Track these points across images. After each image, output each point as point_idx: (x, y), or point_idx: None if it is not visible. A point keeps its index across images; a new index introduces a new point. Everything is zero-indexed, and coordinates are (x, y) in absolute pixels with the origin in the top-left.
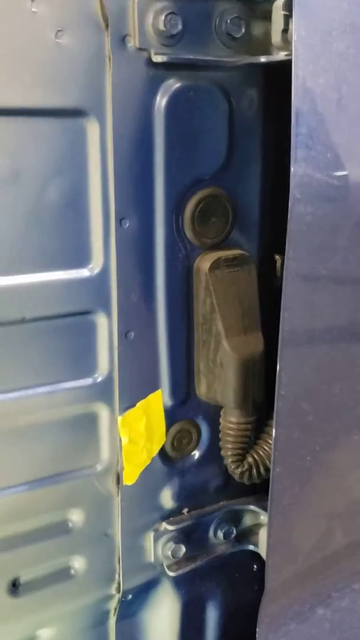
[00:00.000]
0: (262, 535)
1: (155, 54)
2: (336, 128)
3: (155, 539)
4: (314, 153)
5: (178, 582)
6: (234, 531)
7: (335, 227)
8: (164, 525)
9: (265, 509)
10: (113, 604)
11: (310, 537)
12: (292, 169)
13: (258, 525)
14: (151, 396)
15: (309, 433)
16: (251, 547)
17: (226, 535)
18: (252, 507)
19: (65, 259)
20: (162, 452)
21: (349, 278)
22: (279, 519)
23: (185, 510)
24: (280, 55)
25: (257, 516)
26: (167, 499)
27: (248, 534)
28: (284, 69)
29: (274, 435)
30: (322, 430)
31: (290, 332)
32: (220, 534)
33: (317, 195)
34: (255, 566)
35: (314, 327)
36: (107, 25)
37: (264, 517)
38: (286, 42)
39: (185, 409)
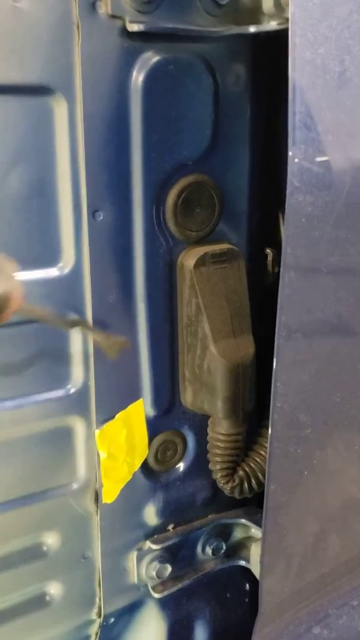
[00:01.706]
0: (254, 550)
1: (131, 22)
2: (339, 104)
3: (139, 559)
4: (314, 134)
5: (164, 603)
6: (224, 546)
7: (338, 218)
8: (148, 544)
9: (256, 523)
10: (94, 629)
11: (306, 555)
12: (289, 153)
13: (249, 539)
14: (132, 406)
15: (307, 447)
16: (242, 563)
17: (215, 551)
18: (242, 520)
19: (30, 257)
20: (145, 466)
21: (353, 274)
22: (274, 537)
23: (170, 527)
24: (272, 25)
25: (247, 529)
26: (150, 515)
27: (238, 549)
28: (274, 39)
29: (268, 450)
30: (320, 443)
31: (287, 338)
32: (208, 550)
33: (318, 183)
34: (246, 583)
35: (313, 331)
36: None
37: (255, 531)
38: (279, 9)
39: (169, 419)
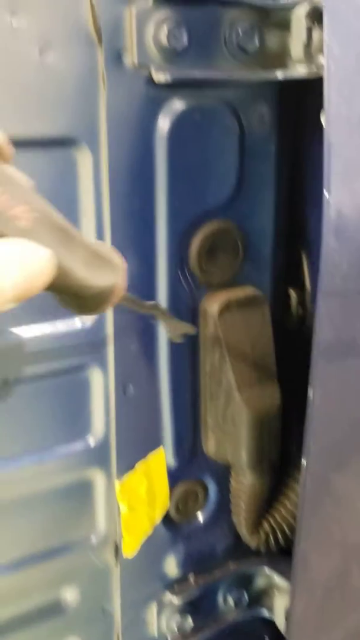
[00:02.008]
0: (278, 601)
1: (157, 71)
2: None
3: (159, 612)
4: (351, 194)
5: None
6: (245, 595)
7: None
8: (168, 596)
9: (279, 571)
10: None
11: (339, 619)
12: (325, 213)
13: (272, 587)
14: (152, 456)
15: (339, 507)
16: (265, 613)
17: (237, 601)
18: (265, 569)
19: (52, 309)
20: (165, 517)
21: None
22: (303, 600)
23: (191, 576)
24: (301, 71)
25: (270, 577)
26: (171, 566)
27: (260, 597)
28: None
29: (299, 512)
30: (353, 503)
31: (320, 400)
32: (230, 600)
33: (356, 242)
34: (267, 635)
35: (349, 392)
36: (100, 40)
37: (278, 579)
38: (309, 57)
39: (190, 468)
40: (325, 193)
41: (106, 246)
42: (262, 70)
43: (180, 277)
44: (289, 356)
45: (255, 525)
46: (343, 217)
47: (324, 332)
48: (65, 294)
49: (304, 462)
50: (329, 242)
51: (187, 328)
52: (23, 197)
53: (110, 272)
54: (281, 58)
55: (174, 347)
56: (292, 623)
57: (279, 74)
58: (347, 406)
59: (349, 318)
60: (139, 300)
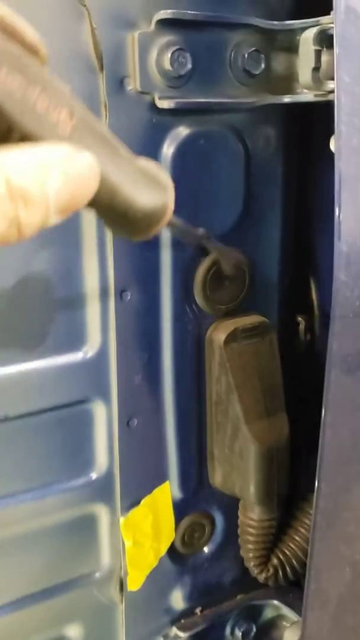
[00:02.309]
0: (287, 634)
1: (160, 98)
2: None
3: None
4: None
5: None
6: (254, 628)
7: None
8: (175, 631)
9: (288, 604)
10: None
11: None
12: (336, 246)
13: (280, 618)
14: (158, 490)
15: (350, 543)
16: None
17: (245, 634)
18: (274, 602)
19: (54, 343)
20: (171, 550)
21: None
22: (315, 638)
23: (198, 610)
24: (309, 96)
25: (279, 609)
26: (177, 600)
27: (269, 629)
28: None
29: (309, 552)
30: None
31: (332, 438)
32: (238, 633)
33: None
34: None
35: None
36: (101, 66)
37: (286, 611)
38: (317, 81)
39: (197, 500)
40: (337, 223)
41: (151, 163)
42: (268, 94)
43: (186, 305)
44: (297, 383)
45: (264, 560)
46: (354, 251)
47: (337, 354)
48: (112, 215)
49: (317, 485)
50: (340, 277)
51: (237, 256)
52: (63, 101)
53: (160, 191)
54: (288, 82)
55: (178, 377)
56: None
57: (286, 99)
58: (355, 436)
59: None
60: (188, 226)
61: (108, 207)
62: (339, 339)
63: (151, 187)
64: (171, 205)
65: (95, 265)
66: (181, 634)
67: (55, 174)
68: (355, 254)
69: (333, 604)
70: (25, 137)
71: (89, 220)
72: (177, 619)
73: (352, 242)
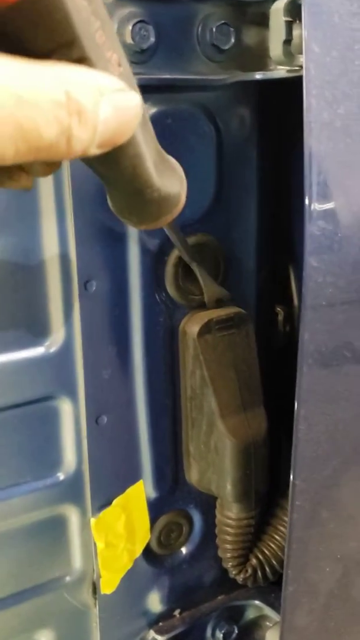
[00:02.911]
0: (270, 635)
1: None
2: None
3: None
4: (336, 206)
5: None
6: (235, 629)
7: None
8: (152, 634)
9: (270, 605)
10: None
11: None
12: (306, 230)
13: (263, 618)
14: (131, 489)
15: (330, 544)
16: None
17: (226, 636)
18: (256, 602)
19: (14, 337)
20: (147, 551)
21: None
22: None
23: (176, 612)
24: (281, 72)
25: (261, 609)
26: (154, 602)
27: (251, 630)
28: (282, 81)
29: (286, 552)
30: (344, 537)
31: (307, 432)
32: (219, 635)
33: (341, 262)
34: None
35: (337, 422)
36: None
37: (269, 611)
38: (289, 56)
39: (173, 499)
40: (307, 204)
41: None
42: (239, 71)
43: (156, 296)
44: (276, 376)
45: (243, 560)
46: (326, 234)
47: (309, 345)
48: (130, 188)
49: (291, 482)
50: (311, 262)
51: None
52: (116, 46)
53: (176, 180)
54: (261, 58)
55: (150, 371)
56: None
57: (258, 75)
58: (335, 421)
59: (333, 346)
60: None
61: (131, 176)
62: (310, 329)
63: (169, 173)
64: (184, 198)
65: (57, 253)
66: (159, 637)
67: (106, 101)
68: (327, 237)
69: (312, 607)
70: (82, 60)
71: (48, 206)
72: (154, 622)
73: (324, 225)
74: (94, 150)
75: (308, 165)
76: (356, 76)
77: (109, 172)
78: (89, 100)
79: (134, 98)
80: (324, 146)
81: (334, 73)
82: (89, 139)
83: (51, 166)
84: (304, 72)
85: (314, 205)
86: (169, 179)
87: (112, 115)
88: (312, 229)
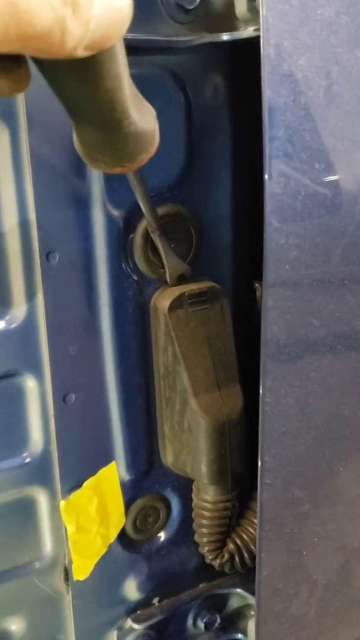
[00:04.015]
0: (253, 624)
1: None
2: (327, 125)
3: (120, 639)
4: (297, 163)
5: None
6: (218, 618)
7: (331, 261)
8: (129, 622)
9: (254, 593)
10: None
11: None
12: (266, 188)
13: (247, 607)
14: (103, 471)
15: (305, 525)
16: (239, 637)
17: (208, 625)
18: (238, 590)
19: None
20: (123, 536)
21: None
22: (270, 628)
23: (155, 600)
24: (248, 31)
25: (244, 598)
26: (131, 590)
27: (235, 619)
28: (256, 45)
29: (258, 533)
30: (321, 519)
31: (274, 404)
32: (200, 624)
33: (305, 222)
34: None
35: (307, 394)
36: None
37: (252, 600)
38: (254, 13)
39: (148, 482)
40: (266, 161)
41: None
42: (206, 32)
43: (125, 270)
44: (255, 354)
45: (219, 545)
46: (287, 192)
47: (272, 328)
48: (108, 121)
49: (260, 460)
50: (272, 223)
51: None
52: None
53: (151, 116)
54: (230, 19)
55: (121, 347)
56: None
57: (225, 36)
58: (305, 394)
59: (300, 312)
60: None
61: (109, 102)
62: (274, 295)
63: (144, 109)
64: (158, 137)
65: (15, 223)
66: (136, 626)
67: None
68: (289, 196)
69: (289, 592)
70: None
71: (4, 171)
72: (132, 610)
73: (285, 181)
74: (81, 52)
75: (267, 119)
76: (318, 26)
77: (86, 96)
78: None
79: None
80: (284, 99)
81: (294, 22)
82: (81, 34)
83: (19, 83)
84: (261, 21)
85: (274, 161)
86: (144, 115)
87: (104, 12)
88: (273, 187)
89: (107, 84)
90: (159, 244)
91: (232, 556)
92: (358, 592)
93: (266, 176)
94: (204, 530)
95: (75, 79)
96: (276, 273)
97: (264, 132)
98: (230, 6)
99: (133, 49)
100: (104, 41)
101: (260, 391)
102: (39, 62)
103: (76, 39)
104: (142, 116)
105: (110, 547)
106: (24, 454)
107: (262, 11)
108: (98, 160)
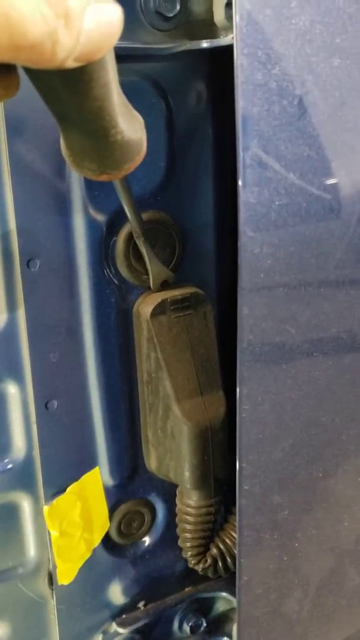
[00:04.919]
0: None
1: None
2: (301, 135)
3: None
4: (270, 173)
5: None
6: (204, 622)
7: (305, 270)
8: (114, 627)
9: None
10: None
11: None
12: (240, 197)
13: (233, 611)
14: (86, 476)
15: (285, 531)
16: None
17: (194, 628)
18: (223, 594)
19: None
20: (107, 541)
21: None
22: (251, 633)
23: (141, 604)
24: (228, 39)
25: (231, 602)
26: (116, 594)
27: (221, 622)
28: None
29: (237, 539)
30: (302, 524)
31: (251, 411)
32: (186, 628)
33: (280, 231)
34: None
35: (285, 401)
36: None
37: None
38: (232, 20)
39: (132, 487)
40: (240, 170)
41: None
42: (186, 40)
43: (107, 277)
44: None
45: (202, 550)
46: (262, 202)
47: (248, 336)
48: (96, 128)
49: (238, 466)
50: (247, 232)
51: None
52: None
53: (138, 126)
54: (210, 26)
55: (103, 354)
56: None
57: (204, 43)
58: (282, 401)
59: (275, 320)
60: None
61: (97, 110)
62: (249, 303)
63: (131, 118)
64: (145, 147)
65: None
66: (121, 630)
67: (91, 10)
68: (263, 205)
69: (270, 598)
70: None
71: None
72: (117, 614)
73: (259, 190)
74: (71, 63)
75: (241, 129)
76: (292, 35)
77: (74, 105)
78: (76, 5)
79: (117, 11)
80: (257, 108)
81: (268, 32)
82: (71, 46)
83: (9, 89)
84: (234, 31)
85: (248, 170)
86: (132, 124)
87: (95, 26)
88: (247, 196)
89: (96, 93)
90: (143, 250)
91: (215, 561)
92: (342, 597)
93: (240, 185)
94: (187, 535)
95: (64, 87)
96: (251, 281)
97: (237, 141)
98: (210, 14)
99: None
100: (94, 53)
101: (237, 398)
102: (28, 69)
103: (67, 51)
104: (130, 125)
105: (94, 551)
106: (6, 460)
107: (236, 20)
108: (84, 167)
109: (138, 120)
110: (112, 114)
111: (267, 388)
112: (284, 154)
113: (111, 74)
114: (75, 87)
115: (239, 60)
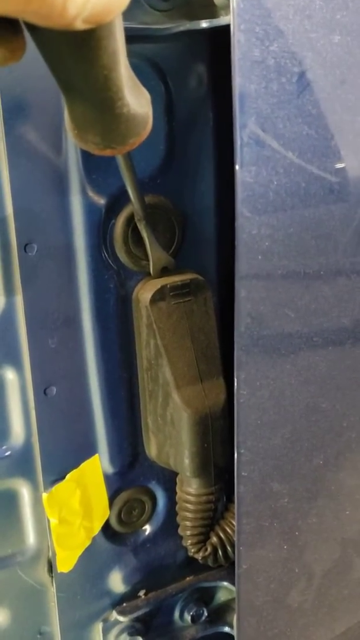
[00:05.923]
0: None
1: None
2: (300, 113)
3: (105, 632)
4: (268, 151)
5: None
6: (205, 611)
7: (304, 252)
8: (115, 615)
9: None
10: None
11: None
12: (237, 176)
13: (234, 601)
14: (85, 464)
15: (285, 519)
16: (226, 629)
17: (195, 618)
18: (225, 583)
19: None
20: (107, 529)
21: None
22: (250, 622)
23: (141, 593)
24: (227, 18)
25: (232, 591)
26: (116, 582)
27: (223, 612)
28: None
29: (236, 527)
30: (302, 512)
31: (250, 395)
32: (187, 617)
33: (278, 212)
34: None
35: (284, 386)
36: None
37: None
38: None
39: (133, 474)
40: (237, 149)
41: None
42: (185, 20)
43: (106, 262)
44: None
45: (203, 538)
46: (259, 181)
47: (245, 320)
48: (103, 99)
49: (236, 453)
50: (244, 213)
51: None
52: None
53: (144, 100)
54: (210, 7)
55: (102, 340)
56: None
57: (204, 23)
58: (281, 386)
59: (274, 303)
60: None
61: (104, 80)
62: (247, 286)
63: (138, 92)
64: (151, 122)
65: None
66: (121, 619)
67: None
68: (260, 185)
69: (270, 586)
70: None
71: None
72: (117, 602)
73: (257, 170)
74: (80, 24)
75: (238, 106)
76: (291, 11)
77: (81, 73)
78: None
79: None
80: (255, 86)
81: (266, 7)
82: (82, 4)
83: (14, 52)
84: (231, 6)
85: (245, 149)
86: (138, 98)
87: None
88: (244, 176)
89: (104, 61)
90: (144, 234)
91: (215, 549)
92: (344, 587)
93: (237, 165)
94: (188, 523)
95: (71, 53)
96: (248, 264)
97: (234, 119)
98: None
99: None
100: (105, 15)
101: (235, 383)
102: (35, 33)
103: (77, 9)
104: (136, 99)
105: (94, 539)
106: (5, 447)
107: None
108: (88, 141)
109: (144, 95)
110: (118, 85)
111: (266, 373)
112: (283, 132)
113: (119, 43)
114: (82, 53)
115: (236, 36)
